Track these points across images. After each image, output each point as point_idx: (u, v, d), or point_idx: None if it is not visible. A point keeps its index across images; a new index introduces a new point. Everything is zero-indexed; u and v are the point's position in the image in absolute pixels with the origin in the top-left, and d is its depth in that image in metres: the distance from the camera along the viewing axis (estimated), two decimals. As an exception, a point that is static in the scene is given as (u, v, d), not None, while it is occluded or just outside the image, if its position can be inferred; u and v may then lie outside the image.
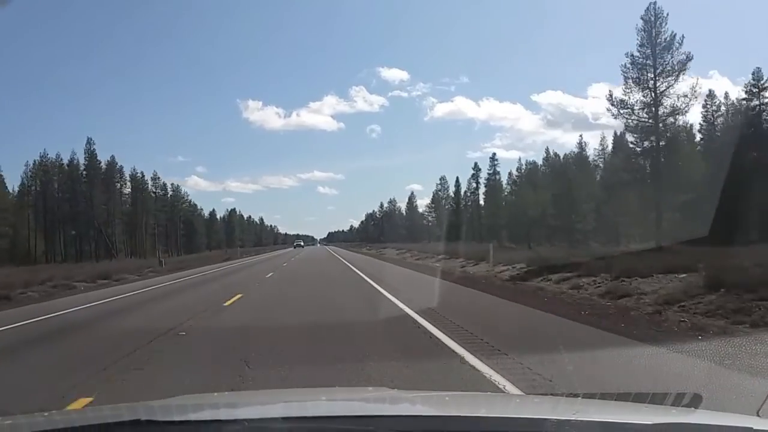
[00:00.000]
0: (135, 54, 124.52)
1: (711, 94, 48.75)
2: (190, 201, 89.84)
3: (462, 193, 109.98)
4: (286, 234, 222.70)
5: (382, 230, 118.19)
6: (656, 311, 9.28)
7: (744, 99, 38.38)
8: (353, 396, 3.05)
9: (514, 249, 40.00)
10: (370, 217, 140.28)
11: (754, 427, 1.68)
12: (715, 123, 48.40)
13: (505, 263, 21.75)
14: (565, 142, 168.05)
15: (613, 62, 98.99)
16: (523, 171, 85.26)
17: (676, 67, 28.52)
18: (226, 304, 13.47)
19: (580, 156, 50.97)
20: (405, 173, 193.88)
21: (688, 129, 36.57)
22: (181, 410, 2.35)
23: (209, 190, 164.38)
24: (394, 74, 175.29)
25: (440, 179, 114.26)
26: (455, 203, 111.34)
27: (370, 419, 1.95)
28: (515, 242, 55.01)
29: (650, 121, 29.24)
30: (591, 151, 62.43)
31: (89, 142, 64.68)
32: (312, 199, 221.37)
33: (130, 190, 70.93)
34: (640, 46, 29.27)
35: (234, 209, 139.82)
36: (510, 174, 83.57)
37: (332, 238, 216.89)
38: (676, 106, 28.80)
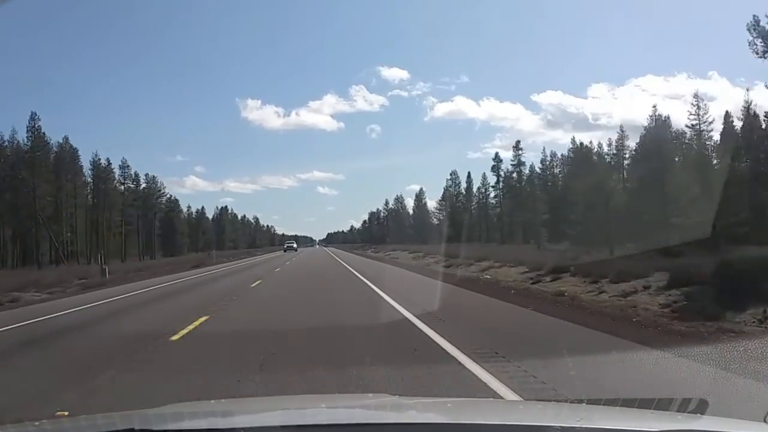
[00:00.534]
0: (133, 53, 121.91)
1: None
2: (171, 196, 78.61)
3: (475, 189, 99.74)
4: (282, 234, 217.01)
5: (388, 230, 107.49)
6: None
7: None
8: (353, 403, 2.94)
9: (567, 251, 29.71)
10: (374, 216, 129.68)
11: None
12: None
13: (616, 278, 13.77)
14: (566, 142, 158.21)
15: (613, 62, 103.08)
16: (550, 161, 75.06)
17: None
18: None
19: (657, 134, 38.80)
20: (405, 174, 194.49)
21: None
22: (177, 418, 2.33)
23: (208, 190, 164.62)
24: (394, 73, 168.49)
25: (451, 174, 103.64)
26: (465, 200, 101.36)
27: (371, 427, 1.98)
28: (555, 242, 44.78)
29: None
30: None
31: (33, 117, 53.52)
32: (311, 199, 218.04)
33: (91, 180, 59.67)
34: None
35: (225, 207, 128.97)
36: (538, 163, 73.08)
37: (332, 239, 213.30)
38: None
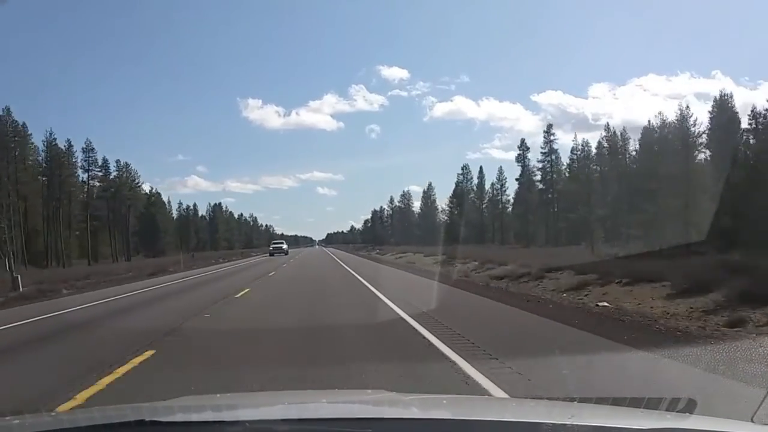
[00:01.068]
0: (134, 53, 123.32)
1: None
2: (153, 189, 70.10)
3: (488, 185, 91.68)
4: (282, 234, 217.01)
5: (392, 230, 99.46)
6: None
7: None
8: (353, 398, 3.00)
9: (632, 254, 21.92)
10: (377, 215, 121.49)
11: None
12: None
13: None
14: (565, 143, 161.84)
15: (614, 61, 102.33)
16: (582, 150, 66.82)
17: None
18: None
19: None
20: (404, 174, 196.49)
21: None
22: (184, 411, 2.44)
23: (210, 190, 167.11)
24: (394, 73, 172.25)
25: (462, 168, 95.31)
26: (477, 197, 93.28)
27: (370, 422, 2.00)
28: (612, 243, 36.93)
29: None
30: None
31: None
32: (311, 199, 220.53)
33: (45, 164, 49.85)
34: None
35: (219, 204, 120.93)
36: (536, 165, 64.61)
37: (331, 239, 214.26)
38: None
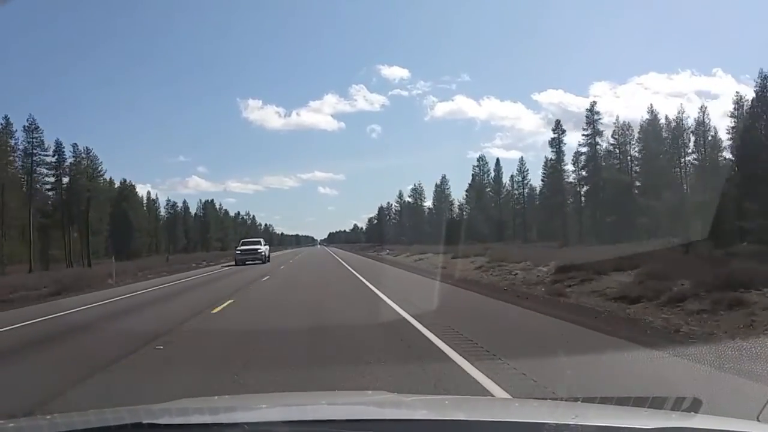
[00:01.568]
0: (134, 53, 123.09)
1: None
2: (126, 181, 60.54)
3: (505, 178, 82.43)
4: (282, 234, 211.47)
5: (402, 227, 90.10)
6: None
7: None
8: (353, 400, 2.97)
9: None
10: (384, 211, 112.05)
11: None
12: None
13: None
14: (567, 142, 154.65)
15: (615, 60, 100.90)
16: (620, 135, 57.24)
17: None
18: None
19: None
20: (405, 174, 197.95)
21: None
22: (182, 413, 2.39)
23: (211, 191, 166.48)
24: (395, 72, 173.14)
25: (478, 160, 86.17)
26: (494, 191, 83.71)
27: (370, 423, 1.99)
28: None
29: None
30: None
31: None
32: (312, 199, 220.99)
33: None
34: None
35: (210, 201, 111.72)
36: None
37: (333, 238, 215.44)
38: None
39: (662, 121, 56.28)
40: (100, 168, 51.06)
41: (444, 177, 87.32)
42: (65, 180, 48.28)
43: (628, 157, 57.51)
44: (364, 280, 20.15)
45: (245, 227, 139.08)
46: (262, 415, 2.33)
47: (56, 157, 47.04)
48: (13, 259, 39.65)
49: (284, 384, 5.64)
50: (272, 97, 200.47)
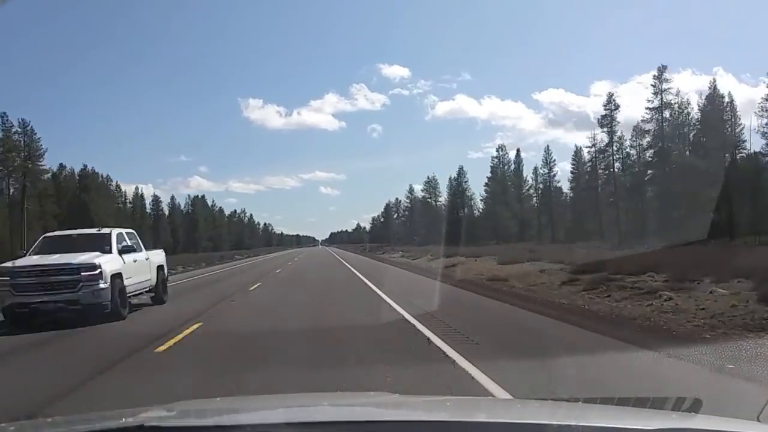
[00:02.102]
0: (134, 54, 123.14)
1: None
2: (87, 168, 50.13)
3: (528, 172, 72.51)
4: (282, 233, 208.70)
5: (413, 226, 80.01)
6: None
7: None
8: (355, 401, 2.95)
9: None
10: (391, 208, 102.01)
11: None
12: None
13: None
14: (567, 142, 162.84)
15: (616, 59, 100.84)
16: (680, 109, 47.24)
17: None
18: None
19: None
20: (406, 173, 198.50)
21: None
22: (184, 416, 2.37)
23: (213, 191, 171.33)
24: (395, 71, 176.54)
25: (498, 149, 76.31)
26: (514, 185, 73.35)
27: (373, 424, 1.97)
28: None
29: None
30: None
31: None
32: (313, 199, 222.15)
33: None
34: None
35: (202, 197, 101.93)
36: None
37: (335, 239, 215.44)
38: None
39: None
40: (39, 148, 40.26)
41: (461, 169, 77.34)
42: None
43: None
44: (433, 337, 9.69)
45: (242, 226, 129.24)
46: (264, 416, 2.31)
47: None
48: None
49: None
50: (273, 97, 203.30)
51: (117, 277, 11.52)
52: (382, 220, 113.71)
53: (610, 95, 54.30)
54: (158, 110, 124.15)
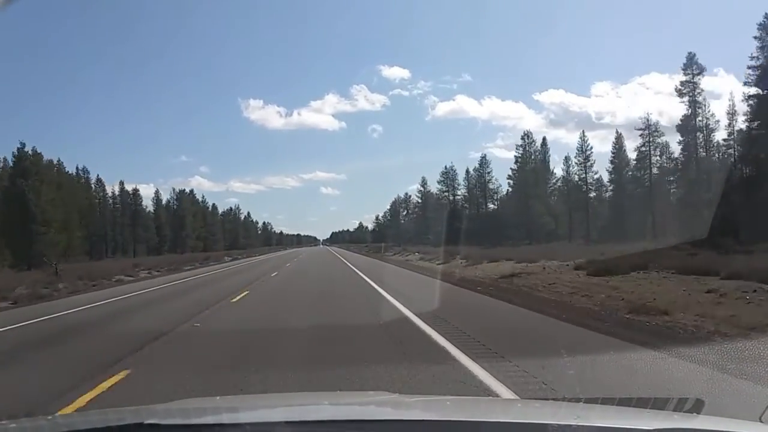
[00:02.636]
0: (135, 55, 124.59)
1: None
2: (25, 147, 39.78)
3: (556, 164, 63.00)
4: (281, 233, 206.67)
5: (428, 223, 70.53)
6: None
7: None
8: (355, 400, 2.90)
9: None
10: (400, 203, 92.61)
11: None
12: None
13: None
14: (569, 142, 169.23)
15: (617, 60, 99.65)
16: None
17: None
18: None
19: None
20: (406, 174, 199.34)
21: None
22: (184, 414, 2.36)
23: (213, 191, 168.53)
24: (396, 72, 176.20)
25: (524, 136, 66.66)
26: (535, 177, 63.58)
27: (372, 423, 1.95)
28: None
29: None
30: None
31: None
32: (314, 199, 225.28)
33: None
34: None
35: (190, 191, 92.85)
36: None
37: (336, 238, 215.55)
38: None
39: None
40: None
41: (483, 158, 67.83)
42: None
43: None
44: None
45: (236, 224, 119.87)
46: (264, 415, 2.27)
47: None
48: None
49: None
50: (273, 97, 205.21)
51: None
52: (388, 218, 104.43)
53: (691, 56, 44.37)
54: (159, 111, 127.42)
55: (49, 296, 19.23)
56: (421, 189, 76.34)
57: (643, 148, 53.52)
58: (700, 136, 45.15)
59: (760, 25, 35.34)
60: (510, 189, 64.92)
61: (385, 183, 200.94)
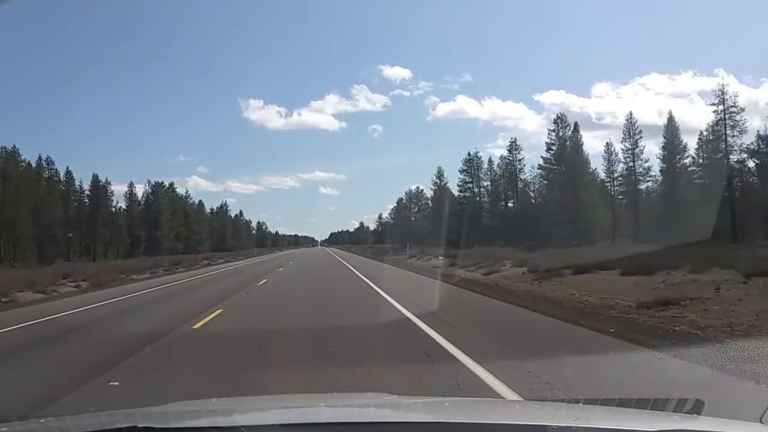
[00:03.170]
0: (135, 55, 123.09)
1: None
2: None
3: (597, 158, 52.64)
4: (277, 233, 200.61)
5: (441, 222, 60.02)
6: None
7: None
8: (352, 402, 2.87)
9: None
10: (411, 201, 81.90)
11: None
12: None
13: None
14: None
15: (617, 60, 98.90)
16: None
17: None
18: None
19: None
20: (406, 174, 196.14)
21: None
22: (179, 417, 2.26)
23: (211, 191, 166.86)
24: (396, 72, 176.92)
25: (557, 120, 56.12)
26: (567, 170, 52.84)
27: (370, 425, 1.93)
28: None
29: None
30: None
31: None
32: (313, 199, 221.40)
33: None
34: None
35: (171, 186, 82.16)
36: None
37: (335, 239, 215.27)
38: None
39: None
40: None
41: (513, 143, 57.19)
42: None
43: None
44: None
45: (223, 223, 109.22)
46: (260, 417, 2.23)
47: None
48: None
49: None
50: (273, 97, 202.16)
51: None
52: (392, 217, 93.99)
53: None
54: (158, 110, 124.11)
55: None
56: (437, 182, 65.69)
57: (717, 127, 43.40)
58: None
59: None
60: (545, 181, 54.29)
61: (385, 183, 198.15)
